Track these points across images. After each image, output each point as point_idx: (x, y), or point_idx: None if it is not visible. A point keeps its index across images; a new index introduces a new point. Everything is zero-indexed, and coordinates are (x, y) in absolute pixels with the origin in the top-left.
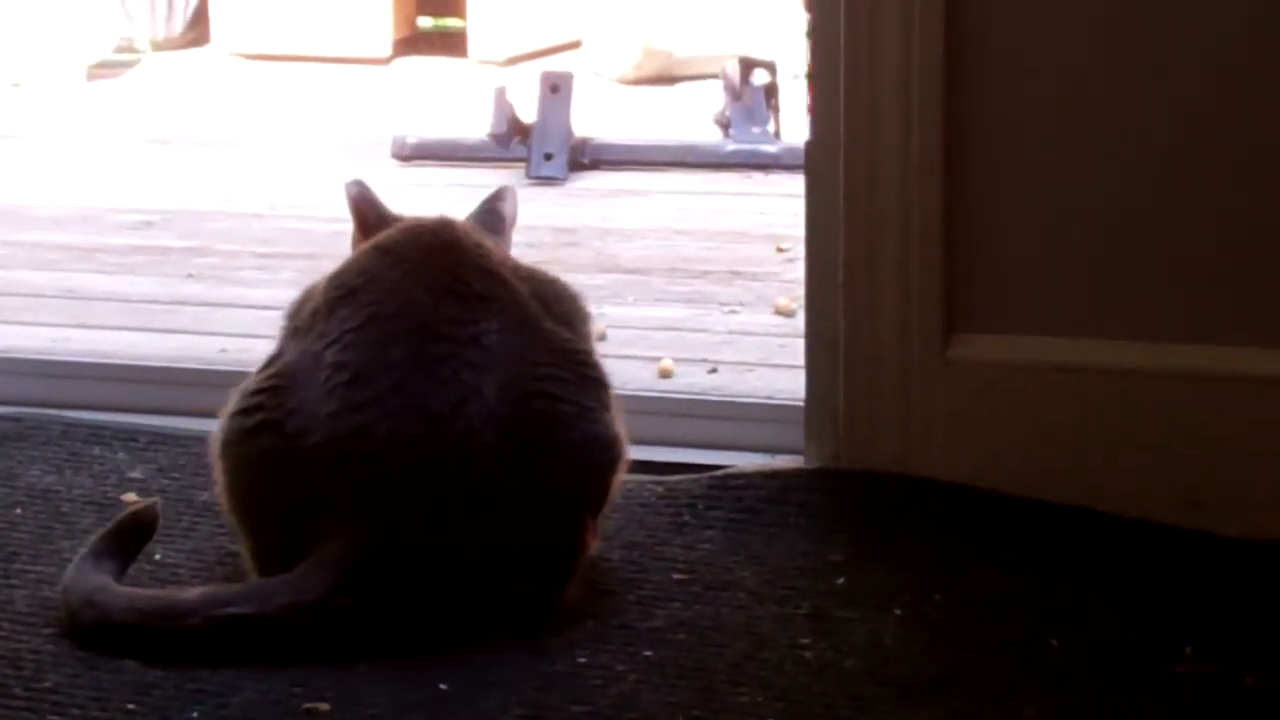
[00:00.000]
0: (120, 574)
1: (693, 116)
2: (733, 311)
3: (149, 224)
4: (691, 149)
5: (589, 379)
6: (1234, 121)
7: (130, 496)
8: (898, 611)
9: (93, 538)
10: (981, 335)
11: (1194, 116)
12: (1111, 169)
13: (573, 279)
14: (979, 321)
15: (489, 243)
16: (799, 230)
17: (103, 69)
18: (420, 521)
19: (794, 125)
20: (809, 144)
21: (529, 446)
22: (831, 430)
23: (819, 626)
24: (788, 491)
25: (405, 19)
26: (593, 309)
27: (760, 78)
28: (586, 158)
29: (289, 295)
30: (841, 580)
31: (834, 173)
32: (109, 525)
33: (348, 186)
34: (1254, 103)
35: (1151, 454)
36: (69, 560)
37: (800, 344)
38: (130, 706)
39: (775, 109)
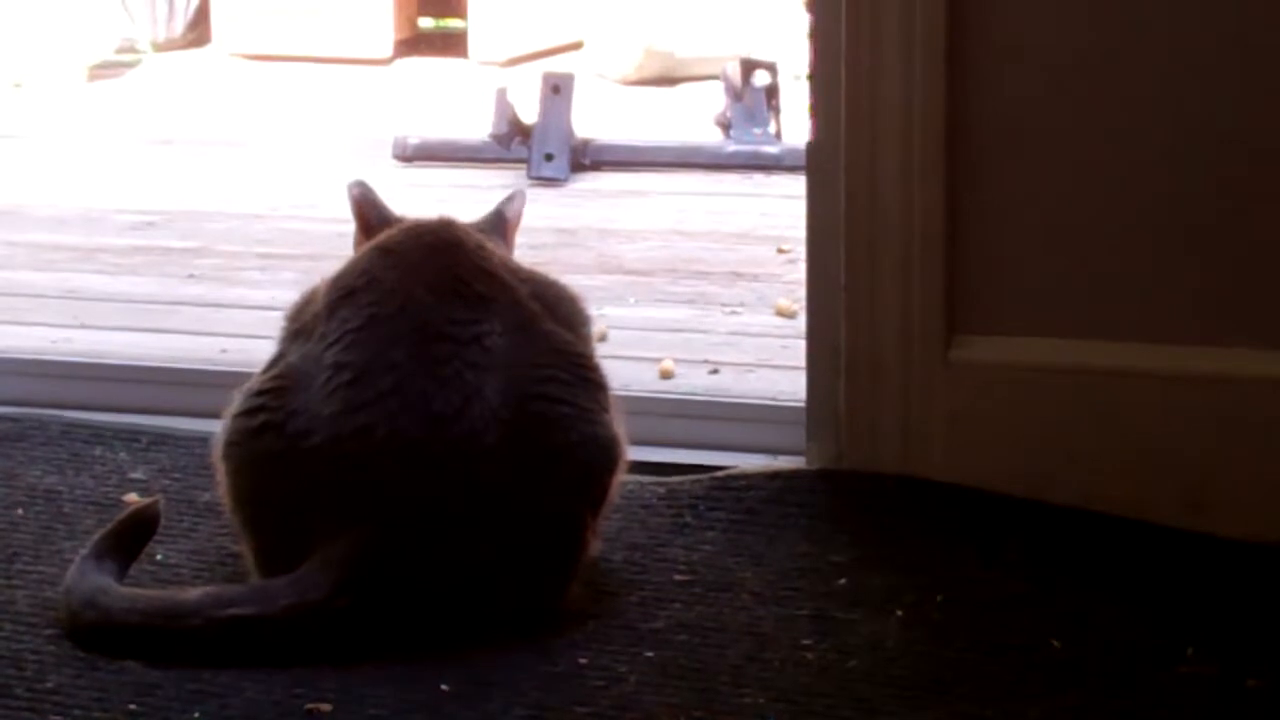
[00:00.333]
0: (122, 575)
1: (694, 117)
2: (734, 313)
3: (150, 224)
4: (693, 150)
5: (589, 381)
6: (1235, 122)
7: (132, 497)
8: (899, 613)
9: (94, 538)
10: (983, 337)
11: (1195, 118)
12: (1113, 171)
13: (573, 280)
14: (980, 323)
15: (490, 244)
16: (800, 231)
17: (104, 69)
18: (422, 522)
19: (795, 126)
20: (810, 145)
21: (529, 448)
22: (833, 431)
23: (821, 627)
24: (789, 492)
25: (406, 20)
26: (594, 310)
27: (761, 79)
28: (587, 159)
29: (290, 296)
30: (843, 581)
31: (835, 174)
32: (110, 525)
33: (350, 187)
34: (1255, 103)
35: (1153, 455)
36: (70, 561)
37: (801, 345)
38: (132, 707)
39: (776, 110)
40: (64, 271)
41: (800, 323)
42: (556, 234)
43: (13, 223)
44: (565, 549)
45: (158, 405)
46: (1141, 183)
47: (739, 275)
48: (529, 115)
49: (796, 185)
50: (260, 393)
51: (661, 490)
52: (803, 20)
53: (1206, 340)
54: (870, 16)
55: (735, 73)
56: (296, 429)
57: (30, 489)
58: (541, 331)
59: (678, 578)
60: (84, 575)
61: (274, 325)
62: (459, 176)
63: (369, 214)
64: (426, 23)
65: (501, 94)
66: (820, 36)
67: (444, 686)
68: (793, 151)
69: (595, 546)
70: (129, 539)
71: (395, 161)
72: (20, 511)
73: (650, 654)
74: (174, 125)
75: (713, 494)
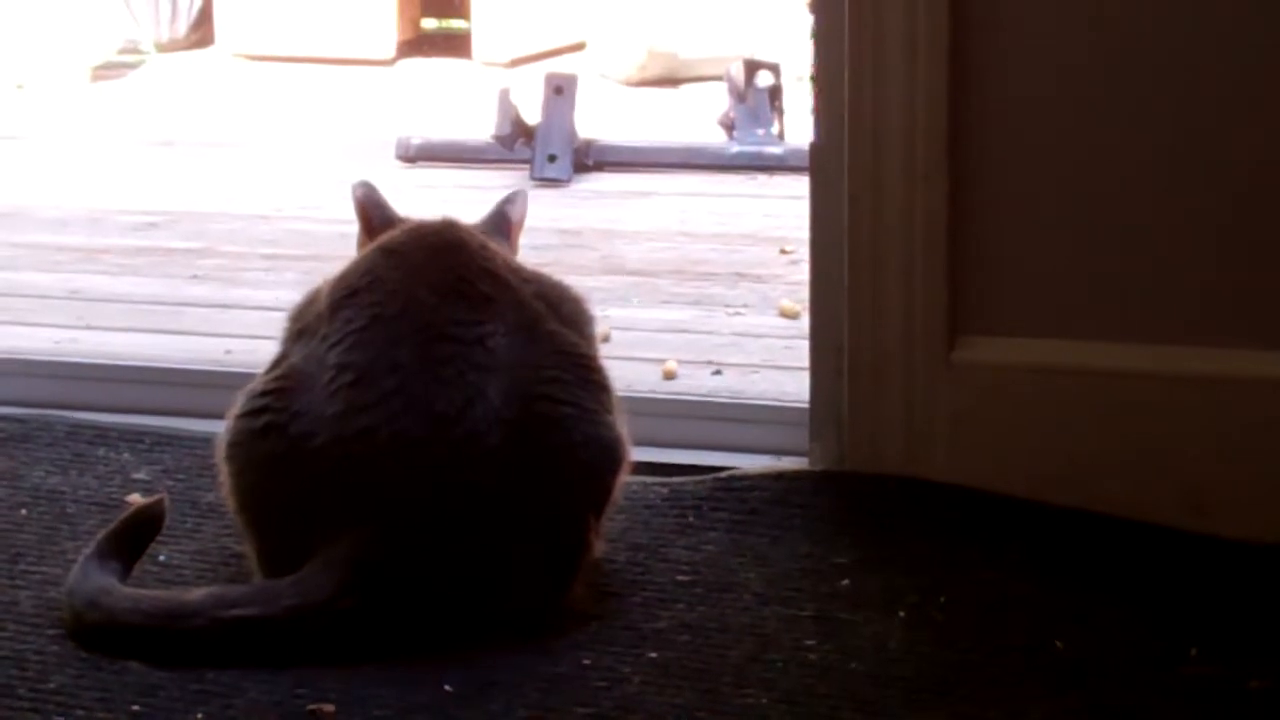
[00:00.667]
0: (125, 575)
1: (697, 118)
2: (737, 313)
3: (153, 225)
4: (696, 151)
5: (591, 382)
6: (1237, 123)
7: (135, 498)
8: (902, 613)
9: (98, 537)
10: (986, 338)
11: (1197, 119)
12: (1115, 171)
13: (577, 281)
14: (983, 324)
15: (493, 244)
16: (803, 232)
17: (107, 70)
18: (425, 523)
19: (798, 127)
20: (813, 146)
21: (533, 449)
22: (836, 432)
23: (823, 628)
24: (792, 493)
25: (410, 20)
26: (597, 311)
27: (765, 80)
28: (591, 159)
29: (293, 296)
30: (846, 582)
31: (838, 175)
32: (114, 523)
33: (354, 187)
34: (1257, 103)
35: (1155, 456)
36: (74, 561)
37: (805, 346)
38: (135, 708)
39: (779, 111)
40: (68, 272)
41: (803, 324)
42: (559, 235)
43: (16, 224)
44: (568, 550)
45: (162, 406)
46: (1144, 184)
47: (742, 276)
48: (532, 116)
49: (800, 186)
50: (263, 394)
51: (664, 491)
52: (806, 21)
53: (1209, 341)
54: (873, 17)
55: (739, 73)
56: (300, 430)
57: (34, 489)
58: (545, 332)
59: (680, 578)
60: (87, 576)
61: (278, 326)
62: (462, 177)
63: (372, 214)
64: (429, 23)
65: (504, 95)
66: (823, 37)
67: (447, 687)
68: (796, 152)
69: (598, 547)
70: (133, 538)
71: (398, 162)
72: (24, 512)
73: (653, 654)
74: (177, 126)
75: (716, 495)
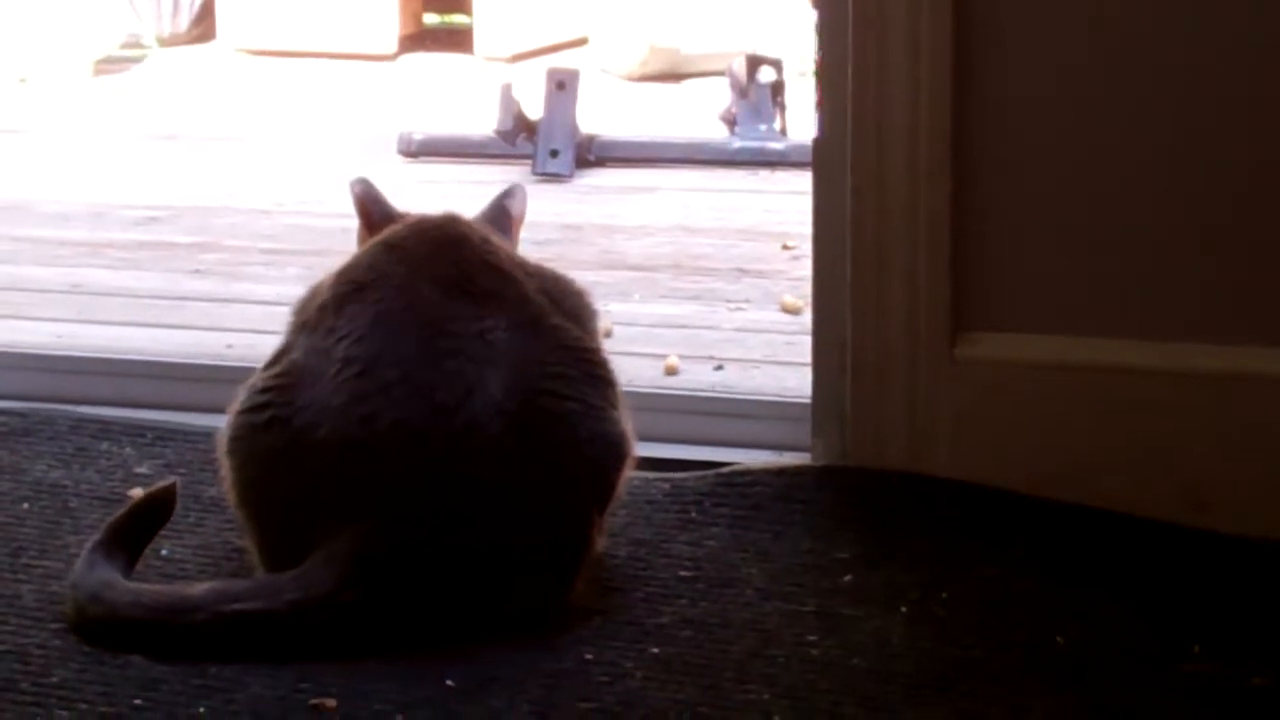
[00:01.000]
0: (128, 569)
1: (699, 113)
2: (739, 309)
3: (155, 220)
4: (698, 146)
5: (596, 377)
6: (1239, 120)
7: (137, 492)
8: (904, 609)
9: (103, 527)
10: (989, 334)
11: (1199, 117)
12: (1117, 168)
13: (579, 276)
14: (986, 320)
15: (496, 239)
16: (806, 227)
17: (109, 64)
18: (426, 516)
19: (800, 122)
20: (816, 141)
21: (536, 443)
22: (838, 428)
23: (826, 624)
24: (794, 489)
25: (411, 15)
26: (599, 306)
27: (767, 75)
28: (592, 154)
29: (295, 291)
30: (848, 578)
31: (841, 170)
32: (122, 511)
33: (352, 185)
34: (1258, 102)
35: (1157, 453)
36: (76, 555)
37: (807, 341)
38: (137, 701)
39: (782, 106)
40: (69, 266)
41: (805, 319)
42: (561, 230)
43: (18, 218)
44: (571, 545)
45: (164, 400)
46: (1147, 180)
47: (744, 271)
48: (534, 111)
49: (802, 181)
50: (266, 389)
51: (666, 486)
52: (809, 16)
53: (1212, 338)
54: (877, 12)
55: (741, 69)
56: (302, 424)
57: (36, 483)
58: (549, 327)
59: (683, 574)
60: (90, 569)
61: (280, 320)
62: (464, 172)
63: (372, 210)
64: (431, 18)
65: (506, 90)
66: (826, 32)
67: (449, 682)
68: (798, 148)
69: (601, 542)
70: (140, 527)
71: (400, 157)
72: (26, 506)
73: (655, 650)
74: (179, 120)
75: (718, 490)
